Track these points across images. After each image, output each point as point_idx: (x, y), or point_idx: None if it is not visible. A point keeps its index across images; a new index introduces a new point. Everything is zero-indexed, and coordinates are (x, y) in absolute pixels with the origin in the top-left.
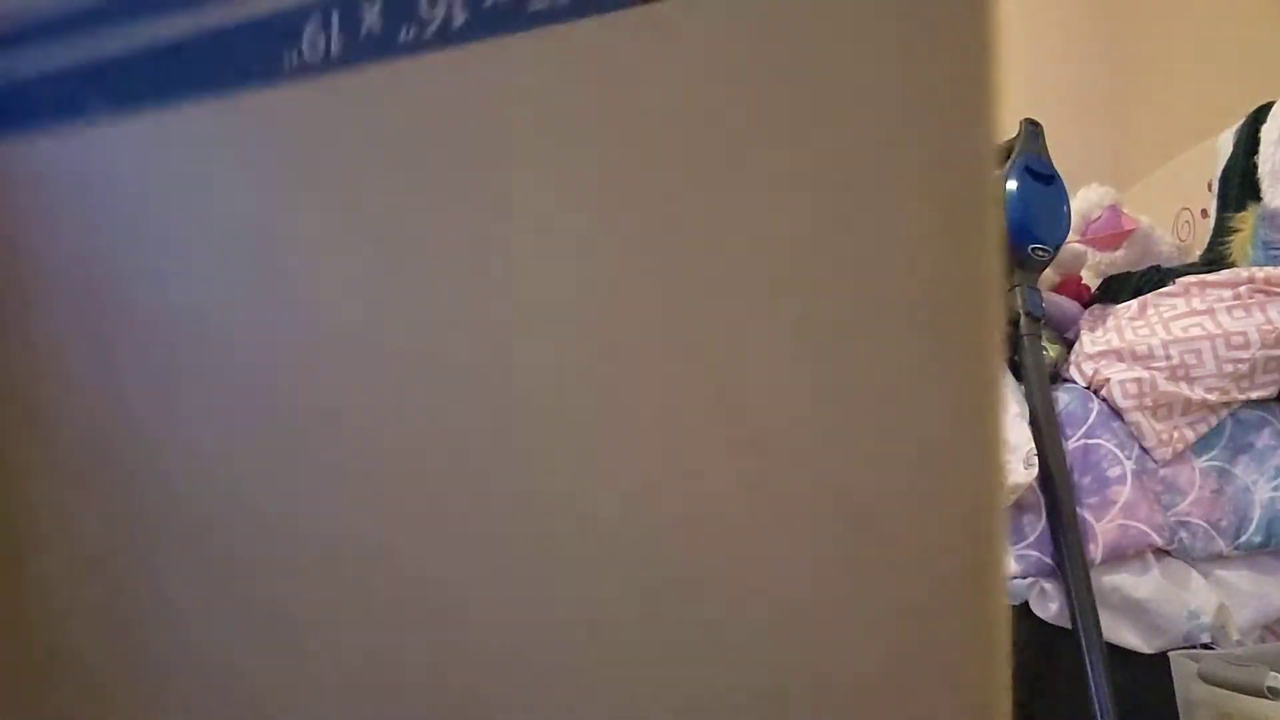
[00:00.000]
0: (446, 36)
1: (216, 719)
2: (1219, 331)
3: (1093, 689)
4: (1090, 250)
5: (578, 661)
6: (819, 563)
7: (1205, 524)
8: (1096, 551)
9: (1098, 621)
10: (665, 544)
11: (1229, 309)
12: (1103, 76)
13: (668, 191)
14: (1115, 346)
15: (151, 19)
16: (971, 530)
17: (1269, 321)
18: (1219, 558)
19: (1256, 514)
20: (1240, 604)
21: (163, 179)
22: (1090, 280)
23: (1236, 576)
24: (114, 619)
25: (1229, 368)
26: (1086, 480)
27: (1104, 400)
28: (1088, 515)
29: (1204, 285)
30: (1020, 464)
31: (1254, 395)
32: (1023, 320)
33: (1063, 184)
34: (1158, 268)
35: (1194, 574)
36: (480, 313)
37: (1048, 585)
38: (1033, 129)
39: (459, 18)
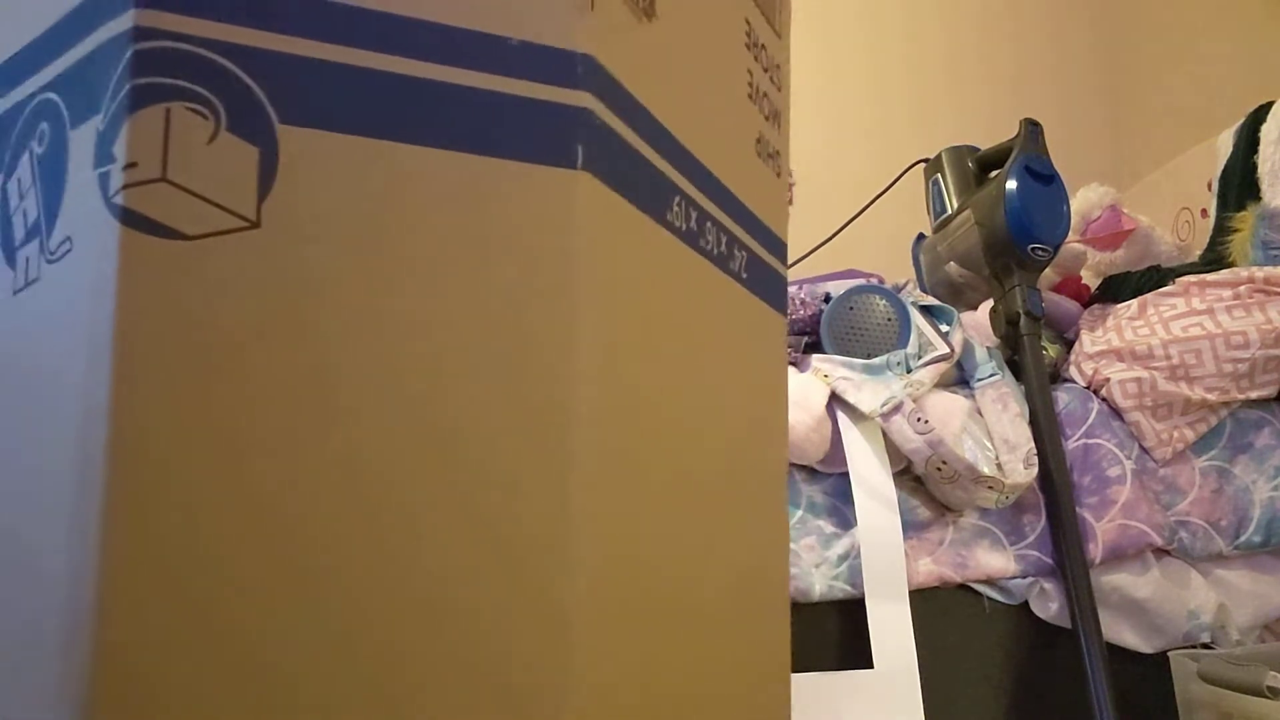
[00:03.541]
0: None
1: None
2: (1219, 331)
3: (1093, 689)
4: (1090, 250)
5: None
6: None
7: (1205, 524)
8: (1096, 551)
9: (1098, 621)
10: None
11: (1229, 309)
12: (1102, 77)
13: None
14: (1115, 346)
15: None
16: None
17: (1269, 321)
18: (1219, 557)
19: (1256, 514)
20: (1240, 604)
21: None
22: (1090, 280)
23: (1236, 576)
24: None
25: (1229, 367)
26: (1086, 480)
27: (1104, 400)
28: (1088, 515)
29: (1204, 285)
30: (1020, 464)
31: (1254, 395)
32: (1023, 320)
33: (1062, 184)
34: (1158, 268)
35: (1194, 574)
36: None
37: (1048, 585)
38: (1033, 129)
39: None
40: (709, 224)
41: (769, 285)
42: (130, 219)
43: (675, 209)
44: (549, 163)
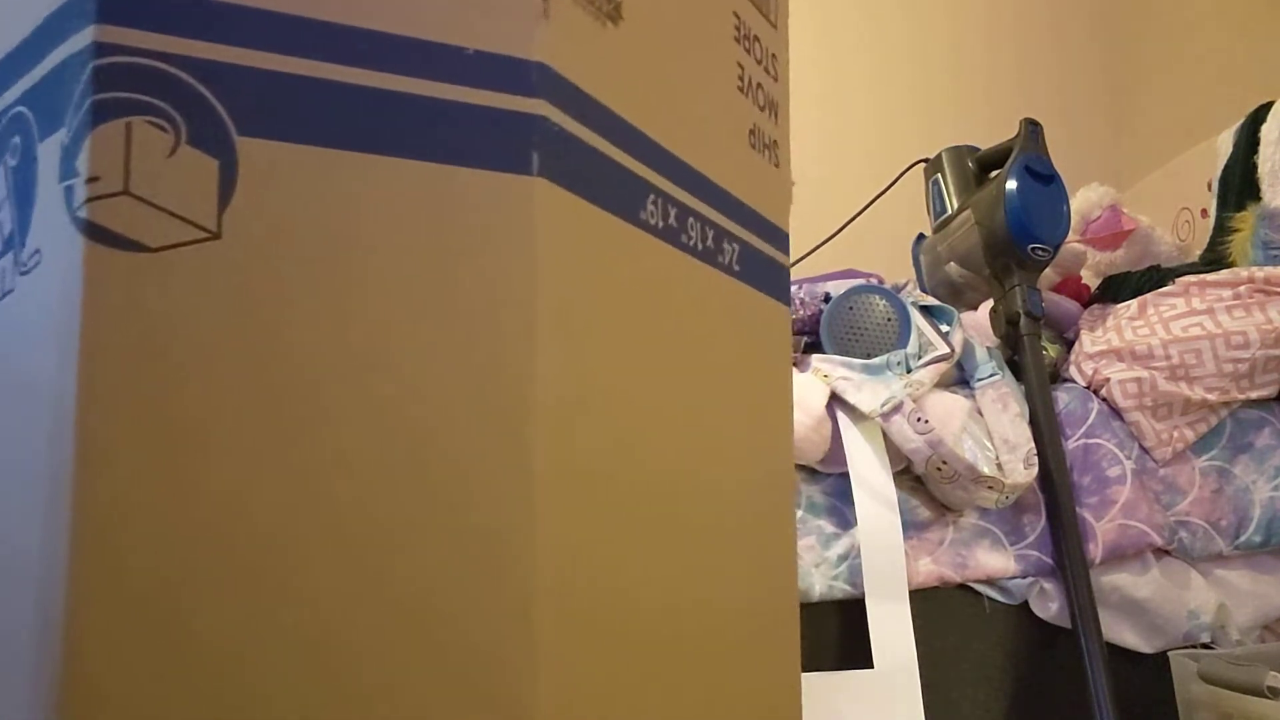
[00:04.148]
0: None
1: None
2: (1219, 331)
3: (1093, 689)
4: (1090, 250)
5: None
6: None
7: (1205, 524)
8: (1096, 551)
9: (1098, 621)
10: None
11: (1229, 309)
12: (1102, 77)
13: None
14: (1115, 346)
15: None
16: None
17: (1269, 321)
18: (1219, 557)
19: (1256, 514)
20: (1240, 604)
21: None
22: (1090, 280)
23: (1236, 576)
24: None
25: (1229, 367)
26: (1086, 480)
27: (1104, 400)
28: (1088, 515)
29: (1204, 285)
30: (1020, 464)
31: (1254, 395)
32: (1023, 320)
33: (1063, 184)
34: (1158, 268)
35: (1194, 574)
36: None
37: (1048, 585)
38: (1033, 129)
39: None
40: (691, 219)
41: (767, 276)
42: (94, 232)
43: (650, 207)
44: (506, 169)
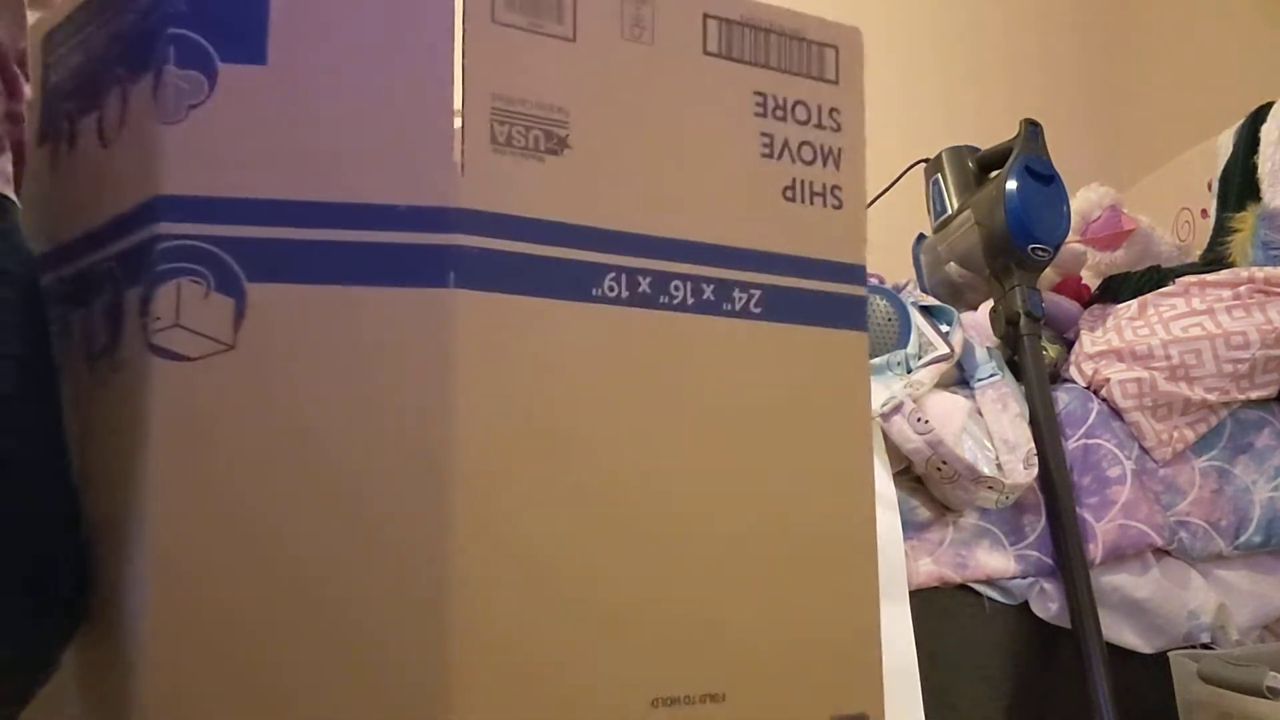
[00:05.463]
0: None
1: None
2: (1219, 331)
3: (1093, 689)
4: (1090, 250)
5: None
6: None
7: (1205, 524)
8: (1096, 551)
9: (1098, 621)
10: None
11: (1229, 309)
12: (1103, 76)
13: None
14: (1115, 346)
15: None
16: None
17: (1269, 321)
18: (1219, 558)
19: (1256, 514)
20: (1240, 604)
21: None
22: (1090, 280)
23: (1236, 576)
24: None
25: (1229, 367)
26: (1086, 480)
27: (1104, 400)
28: (1088, 515)
29: (1204, 285)
30: (1020, 464)
31: (1254, 395)
32: (1023, 320)
33: (1062, 184)
34: (1158, 268)
35: (1194, 574)
36: None
37: (1048, 585)
38: (1033, 129)
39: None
40: (674, 282)
41: (804, 308)
42: (160, 351)
43: (609, 283)
44: (434, 286)
